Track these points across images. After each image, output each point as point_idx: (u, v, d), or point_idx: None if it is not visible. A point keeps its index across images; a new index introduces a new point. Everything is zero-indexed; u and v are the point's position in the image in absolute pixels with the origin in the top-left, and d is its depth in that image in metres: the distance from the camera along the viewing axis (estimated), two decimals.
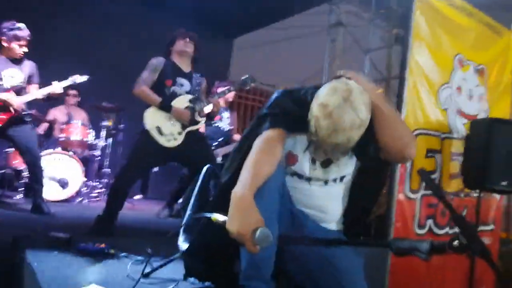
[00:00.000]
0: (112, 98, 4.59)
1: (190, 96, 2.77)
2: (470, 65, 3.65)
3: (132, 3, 5.28)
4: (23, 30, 3.19)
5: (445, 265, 3.43)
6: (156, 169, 5.31)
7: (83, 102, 4.91)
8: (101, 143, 4.58)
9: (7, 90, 3.15)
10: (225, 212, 1.15)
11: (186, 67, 2.85)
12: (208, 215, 1.16)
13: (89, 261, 1.73)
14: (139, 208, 4.44)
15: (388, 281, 3.18)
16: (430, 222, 3.33)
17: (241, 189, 1.17)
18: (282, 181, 1.35)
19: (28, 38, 3.23)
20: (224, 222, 1.13)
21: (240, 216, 1.11)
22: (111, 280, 1.28)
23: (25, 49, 3.24)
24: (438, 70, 3.43)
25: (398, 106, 3.45)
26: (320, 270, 1.36)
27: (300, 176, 1.45)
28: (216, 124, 3.88)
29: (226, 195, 1.17)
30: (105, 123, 4.61)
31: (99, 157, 4.62)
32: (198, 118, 2.77)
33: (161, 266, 1.62)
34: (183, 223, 1.55)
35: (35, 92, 3.29)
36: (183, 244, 1.55)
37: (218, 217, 1.15)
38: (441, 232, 3.42)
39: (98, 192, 4.53)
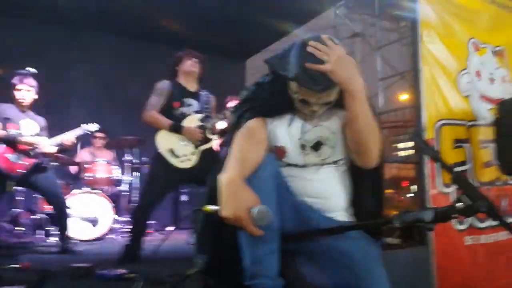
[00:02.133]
0: (133, 133, 4.69)
1: (199, 115, 2.77)
2: (487, 47, 3.51)
3: (140, 37, 5.49)
4: (23, 79, 3.20)
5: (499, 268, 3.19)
6: (185, 198, 5.36)
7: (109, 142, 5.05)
8: (127, 178, 4.65)
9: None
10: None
11: (192, 86, 2.86)
12: (199, 207, 1.12)
13: (108, 286, 1.71)
14: (172, 238, 4.43)
15: (435, 282, 3.00)
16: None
17: (227, 173, 1.14)
18: (277, 171, 1.28)
19: (27, 86, 3.21)
20: (217, 211, 1.08)
21: (232, 199, 1.07)
22: None
23: (26, 99, 3.21)
24: (453, 57, 3.31)
25: (416, 98, 3.34)
26: (335, 265, 1.27)
27: (295, 166, 1.40)
28: None
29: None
30: (128, 157, 4.69)
31: (127, 192, 4.69)
32: (210, 136, 2.75)
33: (178, 283, 1.57)
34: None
35: (49, 145, 3.28)
36: (198, 260, 1.51)
37: (210, 207, 1.11)
38: (483, 225, 3.21)
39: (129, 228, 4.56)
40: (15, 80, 3.22)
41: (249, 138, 1.30)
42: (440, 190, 3.17)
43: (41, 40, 4.89)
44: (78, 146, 4.87)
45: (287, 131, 1.42)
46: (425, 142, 1.21)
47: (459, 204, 0.83)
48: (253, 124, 1.37)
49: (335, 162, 1.40)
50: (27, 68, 3.26)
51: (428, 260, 3.06)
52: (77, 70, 4.99)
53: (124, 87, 5.34)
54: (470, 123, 3.28)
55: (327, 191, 1.38)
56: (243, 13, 5.03)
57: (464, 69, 3.34)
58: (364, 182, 1.41)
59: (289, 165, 1.40)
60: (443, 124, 3.21)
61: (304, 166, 1.39)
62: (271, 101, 1.40)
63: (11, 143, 3.10)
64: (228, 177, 1.12)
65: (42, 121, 3.41)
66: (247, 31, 5.55)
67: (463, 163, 3.17)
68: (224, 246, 1.30)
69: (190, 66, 2.81)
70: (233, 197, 1.08)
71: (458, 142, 3.21)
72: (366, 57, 4.60)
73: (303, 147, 1.40)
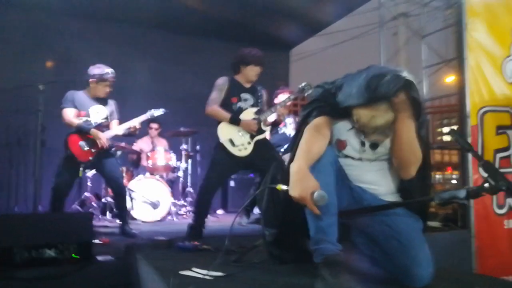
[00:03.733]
0: (187, 124, 5.09)
1: (254, 109, 3.07)
2: None
3: (191, 34, 5.84)
4: (109, 73, 3.51)
5: None
6: (232, 184, 5.73)
7: (163, 131, 5.48)
8: (182, 165, 5.06)
9: (95, 126, 3.46)
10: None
11: (248, 83, 3.14)
12: (273, 186, 1.41)
13: (187, 255, 2.05)
14: (222, 220, 4.80)
15: (475, 264, 3.15)
16: (510, 200, 3.25)
17: (297, 162, 1.43)
18: (335, 159, 1.55)
19: (112, 80, 3.54)
20: (287, 190, 1.38)
21: (299, 183, 1.36)
22: (207, 266, 1.56)
23: (108, 89, 3.55)
24: (497, 45, 3.38)
25: (461, 86, 3.44)
26: (383, 235, 1.53)
27: (352, 158, 1.64)
28: (281, 131, 4.13)
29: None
30: (183, 146, 5.09)
31: (182, 178, 5.11)
32: (263, 127, 3.05)
33: (246, 252, 1.87)
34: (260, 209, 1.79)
35: (117, 128, 3.56)
36: (265, 233, 1.81)
37: (282, 186, 1.40)
38: None
39: (185, 211, 4.99)
40: (104, 75, 3.49)
41: (315, 132, 1.55)
42: (482, 174, 3.29)
43: (106, 38, 5.36)
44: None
45: (350, 131, 1.64)
46: (459, 133, 1.41)
47: (486, 184, 1.05)
48: (319, 121, 1.61)
49: (387, 159, 1.64)
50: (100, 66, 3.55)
51: (469, 242, 3.21)
52: (135, 66, 5.42)
53: (177, 81, 5.73)
54: None
55: (378, 180, 1.63)
56: (289, 2, 5.19)
57: (508, 56, 3.39)
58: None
59: (347, 156, 1.64)
60: (487, 111, 3.31)
61: (359, 159, 1.63)
62: (336, 105, 1.60)
63: (82, 132, 3.39)
64: (297, 166, 1.41)
65: (112, 104, 3.65)
66: (292, 20, 5.72)
67: (505, 149, 3.27)
68: (289, 220, 1.58)
69: (253, 76, 3.09)
70: (300, 182, 1.37)
71: (501, 129, 3.30)
72: (411, 44, 4.68)
73: (362, 143, 1.63)
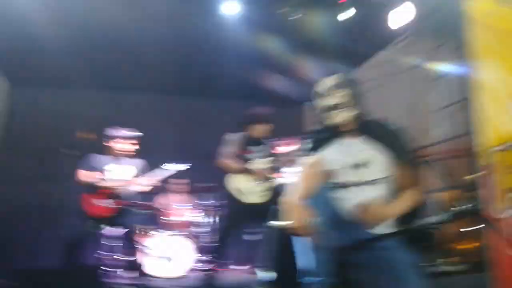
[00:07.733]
0: (207, 180, 5.21)
1: (263, 160, 3.30)
2: None
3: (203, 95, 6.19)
4: (119, 134, 3.81)
5: None
6: (259, 237, 5.69)
7: (185, 187, 5.61)
8: (203, 220, 5.13)
9: (111, 184, 3.71)
10: None
11: (258, 137, 3.43)
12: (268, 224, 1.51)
13: None
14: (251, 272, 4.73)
15: None
16: None
17: (288, 197, 1.57)
18: (327, 196, 1.65)
19: (123, 139, 3.81)
20: (283, 225, 1.51)
21: (292, 215, 1.48)
22: None
23: (124, 149, 3.81)
24: (502, 84, 3.42)
25: (468, 127, 3.45)
26: (377, 270, 1.57)
27: (340, 186, 1.72)
28: None
29: None
30: (204, 202, 5.19)
31: (204, 233, 5.13)
32: (272, 176, 3.23)
33: None
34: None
35: (132, 186, 3.78)
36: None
37: (275, 222, 1.50)
38: None
39: (204, 265, 4.94)
40: (112, 133, 3.81)
41: (307, 169, 1.71)
42: (493, 215, 3.19)
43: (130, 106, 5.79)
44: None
45: (335, 154, 1.77)
46: None
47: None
48: (309, 160, 1.77)
49: (372, 181, 1.71)
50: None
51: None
52: (158, 130, 5.76)
53: (197, 140, 5.97)
54: None
55: None
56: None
57: None
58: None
59: (335, 185, 1.73)
60: (497, 150, 3.29)
61: (344, 184, 1.72)
62: (322, 142, 1.80)
63: (97, 189, 3.63)
64: (288, 199, 1.55)
65: (138, 163, 3.90)
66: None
67: None
68: (284, 257, 1.65)
69: (261, 133, 3.39)
70: (292, 214, 1.48)
71: None
72: (420, 89, 4.77)
73: (343, 168, 1.73)
